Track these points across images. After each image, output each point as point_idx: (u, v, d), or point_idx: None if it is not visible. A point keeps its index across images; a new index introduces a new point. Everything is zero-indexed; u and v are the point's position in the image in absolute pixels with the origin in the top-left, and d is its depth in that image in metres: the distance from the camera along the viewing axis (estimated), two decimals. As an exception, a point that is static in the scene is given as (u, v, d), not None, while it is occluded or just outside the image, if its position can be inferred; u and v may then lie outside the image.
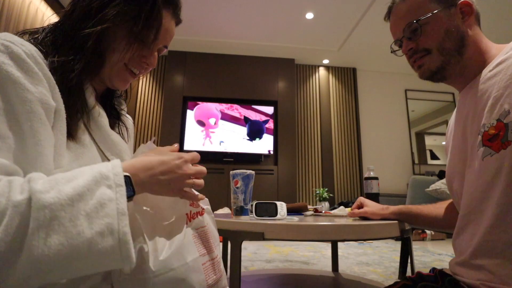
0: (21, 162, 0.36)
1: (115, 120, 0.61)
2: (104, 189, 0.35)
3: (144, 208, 0.47)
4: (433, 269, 0.68)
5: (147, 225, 0.46)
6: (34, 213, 0.30)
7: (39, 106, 0.37)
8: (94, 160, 0.46)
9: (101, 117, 0.51)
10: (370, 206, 0.89)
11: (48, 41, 0.47)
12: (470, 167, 0.60)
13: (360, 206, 0.92)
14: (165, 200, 0.50)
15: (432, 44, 0.64)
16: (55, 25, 0.50)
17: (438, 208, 0.81)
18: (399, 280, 0.67)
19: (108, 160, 0.48)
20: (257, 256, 2.45)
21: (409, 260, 1.08)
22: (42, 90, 0.38)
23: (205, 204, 0.59)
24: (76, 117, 0.45)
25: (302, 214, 1.11)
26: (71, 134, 0.44)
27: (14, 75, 0.36)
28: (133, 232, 0.39)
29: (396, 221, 0.80)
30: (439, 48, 0.63)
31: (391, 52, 0.75)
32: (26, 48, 0.39)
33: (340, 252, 2.55)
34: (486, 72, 0.60)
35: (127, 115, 0.68)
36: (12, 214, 0.30)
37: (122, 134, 0.61)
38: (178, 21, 0.60)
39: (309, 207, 1.20)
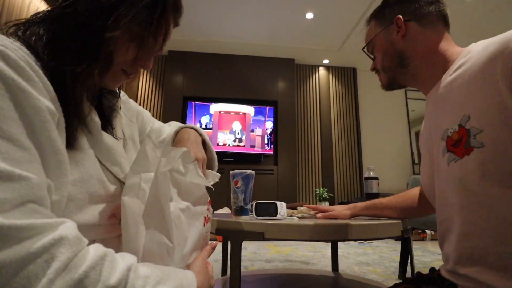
0: (46, 173, 0.34)
1: (106, 119, 0.56)
2: None
3: (179, 206, 0.47)
4: (433, 270, 0.67)
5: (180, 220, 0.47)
6: None
7: (49, 115, 0.35)
8: (94, 166, 0.44)
9: (93, 120, 0.47)
10: (336, 209, 0.92)
11: (44, 40, 0.41)
12: (437, 171, 0.59)
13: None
14: (194, 195, 0.52)
15: (378, 64, 0.73)
16: (51, 19, 0.43)
17: (401, 197, 0.86)
18: (400, 281, 0.66)
19: (105, 166, 0.46)
20: (257, 256, 2.45)
21: (409, 260, 1.08)
22: (46, 100, 0.36)
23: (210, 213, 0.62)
24: (73, 124, 0.41)
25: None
26: (70, 141, 0.41)
27: (21, 83, 0.33)
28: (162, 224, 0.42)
29: (396, 221, 0.80)
30: (382, 68, 0.72)
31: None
32: (19, 53, 0.35)
33: (340, 252, 2.55)
34: (446, 77, 0.59)
35: (129, 100, 0.66)
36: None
37: (114, 130, 0.56)
38: (175, 26, 0.58)
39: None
